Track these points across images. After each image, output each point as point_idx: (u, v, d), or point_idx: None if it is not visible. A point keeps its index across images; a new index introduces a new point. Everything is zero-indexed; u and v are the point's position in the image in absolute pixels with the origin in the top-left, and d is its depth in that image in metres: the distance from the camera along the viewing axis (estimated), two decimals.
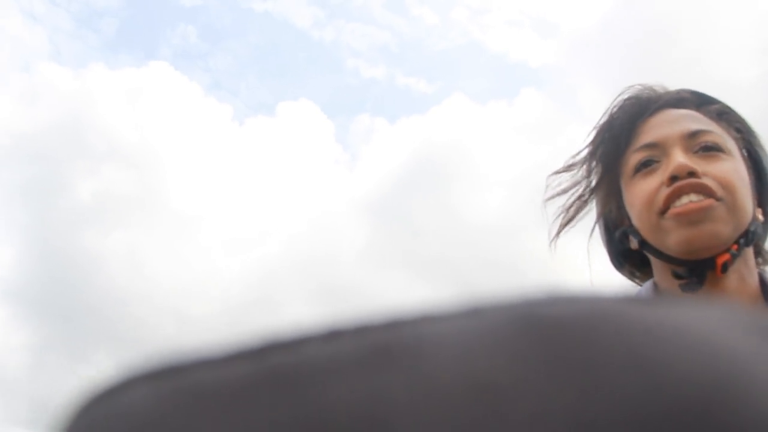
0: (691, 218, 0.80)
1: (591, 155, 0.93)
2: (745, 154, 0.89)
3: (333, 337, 0.15)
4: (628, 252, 0.91)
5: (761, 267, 0.89)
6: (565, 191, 0.94)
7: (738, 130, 0.90)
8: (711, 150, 0.84)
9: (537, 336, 0.15)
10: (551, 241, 0.94)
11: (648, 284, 0.90)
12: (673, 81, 0.95)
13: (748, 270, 0.85)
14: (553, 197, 0.94)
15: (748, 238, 0.83)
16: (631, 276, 0.96)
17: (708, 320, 0.17)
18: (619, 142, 0.90)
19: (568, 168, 0.95)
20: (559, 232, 0.94)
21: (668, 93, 0.92)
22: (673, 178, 0.82)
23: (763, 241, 0.89)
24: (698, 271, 0.82)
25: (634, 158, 0.88)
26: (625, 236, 0.90)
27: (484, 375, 0.14)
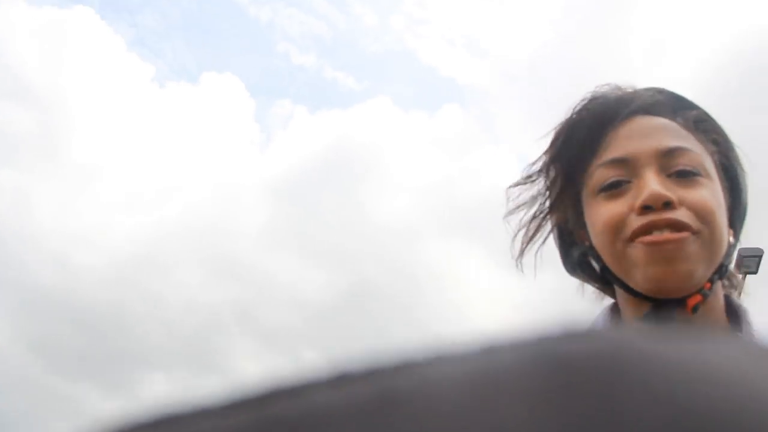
0: (665, 253, 0.72)
1: (550, 162, 0.84)
2: (721, 168, 0.82)
3: (339, 383, 0.15)
4: (586, 266, 0.84)
5: (728, 290, 0.83)
6: (522, 205, 0.86)
7: (715, 142, 0.82)
8: (688, 175, 0.76)
9: (555, 381, 0.14)
10: (516, 261, 0.86)
11: (608, 308, 0.84)
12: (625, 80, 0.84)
13: (716, 300, 0.78)
14: (512, 212, 0.86)
15: (721, 272, 0.77)
16: (586, 283, 0.88)
17: (730, 357, 0.16)
18: (583, 152, 0.81)
19: (527, 179, 0.86)
20: (522, 251, 0.86)
21: (641, 95, 0.82)
22: (646, 208, 0.74)
23: (731, 264, 0.82)
24: (665, 309, 0.74)
25: (600, 174, 0.79)
26: (584, 256, 0.83)
27: (494, 426, 0.14)
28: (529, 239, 0.86)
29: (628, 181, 0.77)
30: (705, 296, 0.74)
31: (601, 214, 0.77)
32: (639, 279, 0.74)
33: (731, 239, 0.80)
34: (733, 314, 0.80)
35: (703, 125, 0.82)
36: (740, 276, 0.86)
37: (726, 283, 0.83)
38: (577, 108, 0.83)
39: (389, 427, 0.14)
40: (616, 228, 0.75)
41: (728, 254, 0.78)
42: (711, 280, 0.75)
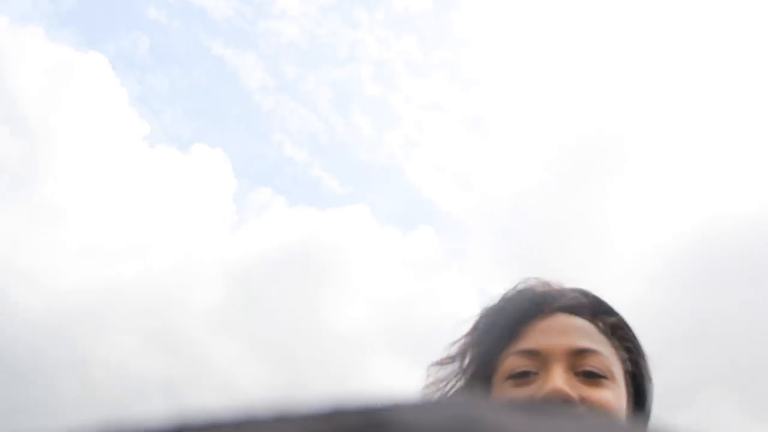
0: None
1: (469, 345, 0.86)
2: (630, 374, 0.83)
3: (243, 427, 0.16)
4: None
5: None
6: (439, 383, 0.87)
7: (628, 350, 0.84)
8: (594, 376, 0.77)
9: None
10: None
11: None
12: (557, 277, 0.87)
13: None
14: (428, 388, 0.87)
15: None
16: None
17: None
18: (500, 340, 0.82)
19: (447, 359, 0.88)
20: None
21: (565, 295, 0.85)
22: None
23: None
24: None
25: (510, 362, 0.80)
26: None
27: None
28: None
29: (536, 373, 0.78)
30: None
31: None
32: None
33: None
34: None
35: (619, 332, 0.84)
36: None
37: None
38: (505, 296, 0.86)
39: None
40: None
41: None
42: None
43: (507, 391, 0.78)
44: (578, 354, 0.78)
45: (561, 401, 0.73)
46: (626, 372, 0.82)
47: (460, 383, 0.85)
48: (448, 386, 0.86)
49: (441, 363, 0.88)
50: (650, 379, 0.85)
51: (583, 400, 0.75)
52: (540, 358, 0.78)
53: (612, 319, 0.85)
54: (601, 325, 0.83)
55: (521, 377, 0.78)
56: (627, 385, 0.81)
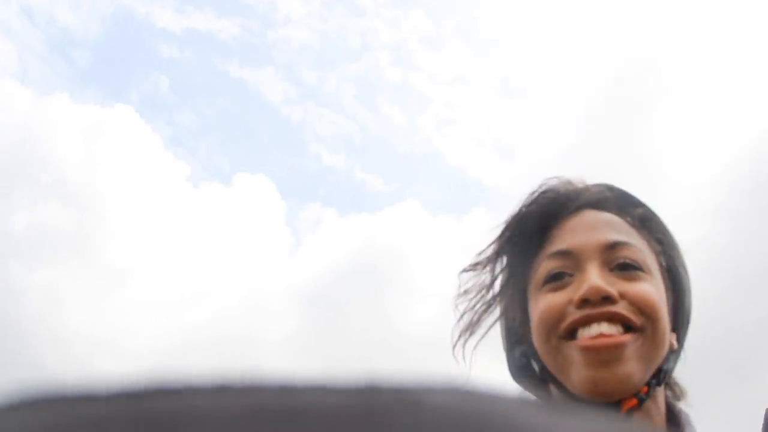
0: (602, 356, 0.70)
1: (497, 254, 0.83)
2: (665, 268, 0.80)
3: (220, 391, 0.16)
4: (529, 369, 0.80)
5: (670, 400, 0.79)
6: (468, 293, 0.85)
7: (659, 241, 0.81)
8: (630, 268, 0.75)
9: (422, 425, 0.16)
10: (453, 348, 0.83)
11: None
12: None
13: (655, 407, 0.74)
14: (460, 298, 0.85)
15: (660, 377, 0.74)
16: (531, 391, 0.82)
17: None
18: (530, 244, 0.80)
19: (475, 266, 0.85)
20: (459, 340, 0.83)
21: (589, 191, 0.83)
22: (585, 301, 0.72)
23: (673, 371, 0.79)
24: None
25: (544, 266, 0.78)
26: (525, 356, 0.80)
27: None
28: (467, 329, 0.84)
29: (571, 274, 0.76)
30: (641, 400, 0.71)
31: (540, 307, 0.76)
32: (574, 380, 0.72)
33: (674, 343, 0.78)
34: (674, 422, 0.77)
35: (648, 223, 0.82)
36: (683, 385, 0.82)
37: (669, 393, 0.80)
38: (527, 201, 0.83)
39: None
40: (552, 320, 0.74)
41: (668, 359, 0.76)
42: (648, 384, 0.72)
43: (542, 299, 0.76)
44: (611, 248, 0.76)
45: (600, 298, 0.72)
46: (660, 266, 0.79)
47: (493, 293, 0.83)
48: (480, 297, 0.84)
49: (470, 270, 0.85)
50: (686, 272, 0.82)
51: (622, 296, 0.73)
52: (573, 258, 0.77)
53: (639, 211, 0.83)
54: (629, 218, 0.81)
55: (555, 280, 0.77)
56: (663, 279, 0.79)
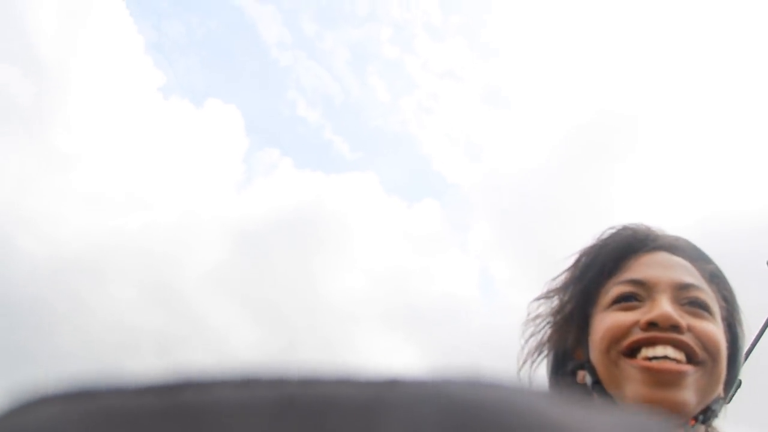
0: (662, 379, 0.71)
1: (572, 281, 0.85)
2: (726, 324, 0.81)
3: (246, 384, 0.16)
4: (572, 386, 0.82)
5: None
6: (537, 318, 0.87)
7: (725, 299, 0.83)
8: (699, 307, 0.77)
9: (447, 421, 0.16)
10: (519, 369, 0.86)
11: None
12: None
13: None
14: (529, 323, 0.87)
15: (707, 415, 0.75)
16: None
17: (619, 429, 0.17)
18: (603, 272, 0.82)
19: (549, 294, 0.87)
20: (526, 360, 0.86)
21: (666, 236, 0.86)
22: (652, 324, 0.74)
23: (718, 415, 0.79)
24: None
25: (616, 290, 0.80)
26: (577, 370, 0.81)
27: None
28: (535, 351, 0.86)
29: (641, 301, 0.78)
30: (686, 431, 0.72)
31: (606, 323, 0.78)
32: (629, 395, 0.72)
33: (722, 393, 0.78)
34: None
35: (717, 280, 0.84)
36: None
37: None
38: (605, 235, 0.86)
39: (287, 428, 0.15)
40: (617, 335, 0.75)
41: (718, 401, 0.76)
42: (696, 418, 0.73)
43: (610, 316, 0.78)
44: (684, 288, 0.78)
45: (669, 326, 0.73)
46: (723, 320, 0.81)
47: (560, 317, 0.85)
48: (547, 323, 0.86)
49: (542, 298, 0.87)
50: (744, 335, 0.84)
51: (689, 329, 0.74)
52: (646, 288, 0.79)
53: (710, 266, 0.84)
54: (700, 269, 0.83)
55: (625, 301, 0.79)
56: (725, 332, 0.80)
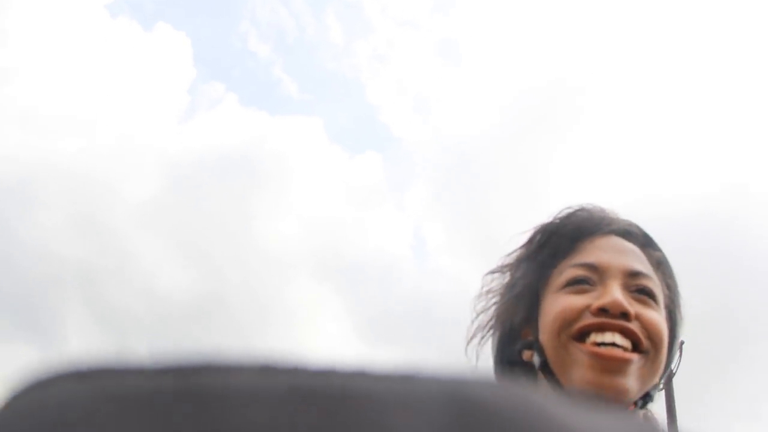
0: (609, 365, 0.74)
1: (526, 258, 0.88)
2: (667, 311, 0.85)
3: (263, 371, 0.16)
4: (518, 363, 0.85)
5: None
6: (489, 293, 0.89)
7: (668, 287, 0.87)
8: (647, 295, 0.80)
9: (458, 420, 0.16)
10: (467, 344, 0.88)
11: None
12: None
13: None
14: (481, 297, 0.89)
15: (645, 400, 0.79)
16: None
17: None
18: (557, 251, 0.85)
19: (502, 269, 0.90)
20: (474, 337, 0.88)
21: (619, 220, 0.89)
22: (603, 311, 0.77)
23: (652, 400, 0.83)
24: None
25: (568, 272, 0.82)
26: (524, 349, 0.84)
27: None
28: (484, 329, 0.88)
29: (593, 285, 0.80)
30: None
31: (558, 306, 0.80)
32: (575, 379, 0.75)
33: (658, 380, 0.81)
34: None
35: (662, 267, 0.87)
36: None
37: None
38: (561, 214, 0.88)
39: (301, 417, 0.15)
40: (567, 319, 0.78)
41: (655, 387, 0.80)
42: (635, 404, 0.76)
43: (561, 298, 0.80)
44: (634, 275, 0.81)
45: (619, 313, 0.76)
46: (666, 306, 0.84)
47: (511, 294, 0.87)
48: (499, 298, 0.88)
49: (495, 272, 0.90)
50: (681, 322, 0.88)
51: (638, 317, 0.77)
52: (598, 272, 0.81)
53: (658, 254, 0.88)
54: (648, 256, 0.86)
55: (577, 284, 0.81)
56: (666, 318, 0.83)
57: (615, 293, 0.78)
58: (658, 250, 0.89)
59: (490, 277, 0.90)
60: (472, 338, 0.88)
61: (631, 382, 0.74)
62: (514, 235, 0.90)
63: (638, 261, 0.84)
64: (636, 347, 0.76)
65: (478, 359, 0.88)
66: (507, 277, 0.89)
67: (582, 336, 0.76)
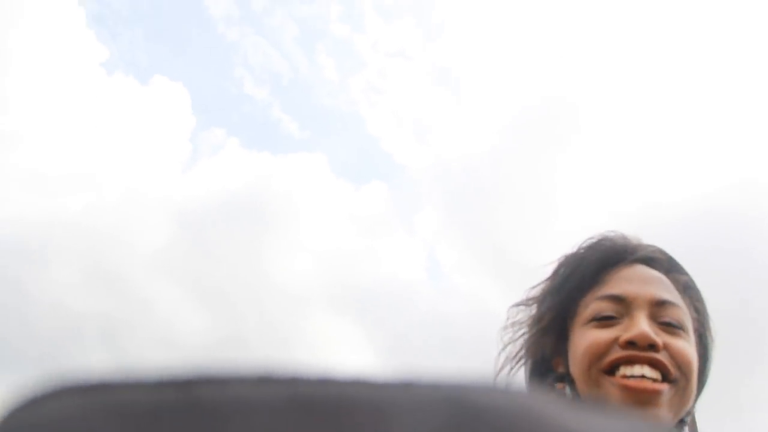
0: (640, 398, 0.74)
1: (552, 291, 0.88)
2: (697, 335, 0.85)
3: (262, 382, 0.16)
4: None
5: None
6: (515, 325, 0.89)
7: (697, 310, 0.87)
8: (675, 326, 0.80)
9: (459, 423, 0.16)
10: (496, 375, 0.87)
11: None
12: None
13: None
14: (507, 329, 0.89)
15: (679, 428, 0.79)
16: None
17: None
18: (583, 285, 0.85)
19: (527, 302, 0.90)
20: (504, 367, 0.88)
21: (645, 247, 0.89)
22: (631, 343, 0.77)
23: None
24: None
25: (595, 306, 0.83)
26: (557, 382, 0.84)
27: None
28: (513, 359, 0.88)
29: (619, 318, 0.81)
30: None
31: (586, 341, 0.80)
32: None
33: (691, 406, 0.81)
34: None
35: (690, 291, 0.87)
36: None
37: None
38: (584, 245, 0.88)
39: (301, 426, 0.15)
40: (597, 353, 0.78)
41: (687, 419, 0.80)
42: None
43: (589, 333, 0.80)
44: (660, 305, 0.81)
45: (646, 345, 0.76)
46: (695, 331, 0.85)
47: (538, 327, 0.87)
48: (526, 331, 0.89)
49: (521, 305, 0.90)
50: (713, 344, 0.87)
51: (666, 347, 0.77)
52: (624, 304, 0.81)
53: (684, 278, 0.88)
54: (675, 282, 0.86)
55: (604, 319, 0.81)
56: (696, 344, 0.83)
57: (642, 325, 0.78)
58: (684, 273, 0.89)
59: (515, 309, 0.90)
60: (501, 369, 0.88)
61: (664, 412, 0.75)
62: (538, 266, 0.90)
63: (664, 289, 0.84)
64: (665, 377, 0.76)
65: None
66: (533, 310, 0.89)
67: (612, 369, 0.77)
